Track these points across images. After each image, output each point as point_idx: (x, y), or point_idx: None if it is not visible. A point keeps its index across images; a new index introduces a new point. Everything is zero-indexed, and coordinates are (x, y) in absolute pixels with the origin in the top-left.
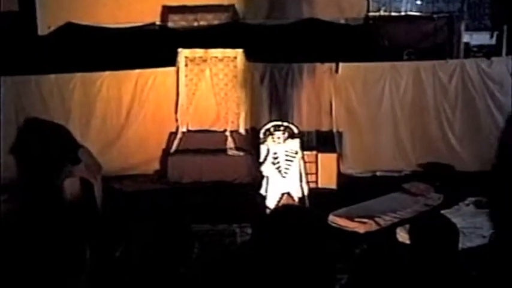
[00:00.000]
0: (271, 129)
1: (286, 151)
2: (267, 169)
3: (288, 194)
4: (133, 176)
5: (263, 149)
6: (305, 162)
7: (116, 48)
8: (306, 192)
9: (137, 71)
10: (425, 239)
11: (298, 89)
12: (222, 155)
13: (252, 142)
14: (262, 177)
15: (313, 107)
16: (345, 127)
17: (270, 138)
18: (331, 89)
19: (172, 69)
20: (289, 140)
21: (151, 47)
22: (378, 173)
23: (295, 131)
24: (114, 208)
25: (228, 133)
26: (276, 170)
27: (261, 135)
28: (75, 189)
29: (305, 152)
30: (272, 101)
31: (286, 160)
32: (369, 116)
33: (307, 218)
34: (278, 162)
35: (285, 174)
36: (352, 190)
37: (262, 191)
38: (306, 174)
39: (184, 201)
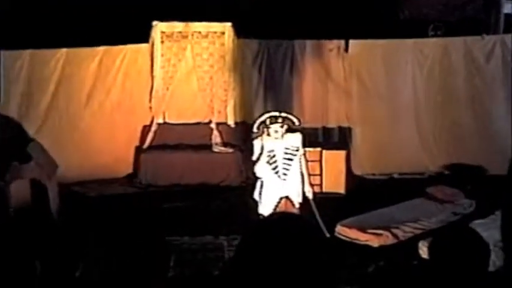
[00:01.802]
0: (267, 122)
1: (285, 148)
2: (261, 169)
3: (287, 198)
4: (98, 179)
5: (257, 145)
6: (307, 161)
7: (75, 19)
8: (310, 196)
9: (101, 47)
10: (446, 257)
11: (299, 72)
12: (206, 152)
13: (243, 136)
14: (255, 179)
15: (318, 95)
16: (357, 119)
17: (265, 133)
18: (340, 72)
19: (145, 46)
20: (289, 135)
21: (119, 17)
22: (395, 175)
23: (296, 123)
24: (73, 216)
25: (213, 125)
26: (273, 171)
27: (254, 129)
28: (24, 193)
29: (308, 149)
30: (268, 87)
31: (285, 159)
32: (385, 106)
33: (307, 229)
34: (275, 162)
35: (283, 175)
36: (364, 195)
37: (256, 196)
38: (309, 175)
39: (160, 207)
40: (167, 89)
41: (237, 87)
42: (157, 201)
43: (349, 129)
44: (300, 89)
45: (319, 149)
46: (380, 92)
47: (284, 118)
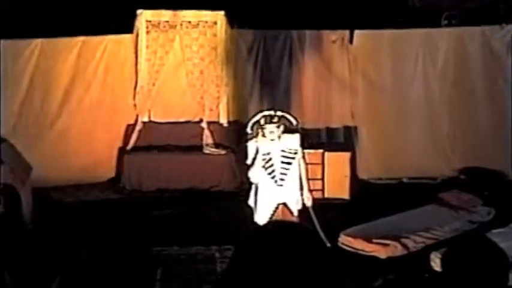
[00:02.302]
0: (261, 122)
1: (282, 150)
2: (256, 174)
3: (285, 205)
4: (77, 183)
5: (251, 147)
6: (307, 164)
7: (51, 6)
8: (309, 204)
9: (80, 38)
10: (461, 270)
11: (299, 66)
12: (196, 153)
13: (236, 137)
14: (249, 184)
15: (319, 91)
16: (362, 117)
17: (260, 133)
18: (344, 65)
19: (129, 37)
20: (286, 136)
21: (100, 5)
22: (405, 179)
23: (294, 123)
24: (48, 224)
25: (204, 125)
26: (268, 176)
27: (249, 130)
28: None
29: (308, 151)
30: (264, 83)
31: (282, 162)
32: (394, 103)
33: (306, 239)
34: (271, 166)
35: (280, 180)
36: (370, 201)
37: (250, 202)
38: (308, 180)
39: (145, 215)
40: (153, 84)
41: (231, 83)
42: (142, 208)
43: (354, 128)
44: (299, 84)
45: (320, 150)
46: (388, 88)
47: (280, 118)
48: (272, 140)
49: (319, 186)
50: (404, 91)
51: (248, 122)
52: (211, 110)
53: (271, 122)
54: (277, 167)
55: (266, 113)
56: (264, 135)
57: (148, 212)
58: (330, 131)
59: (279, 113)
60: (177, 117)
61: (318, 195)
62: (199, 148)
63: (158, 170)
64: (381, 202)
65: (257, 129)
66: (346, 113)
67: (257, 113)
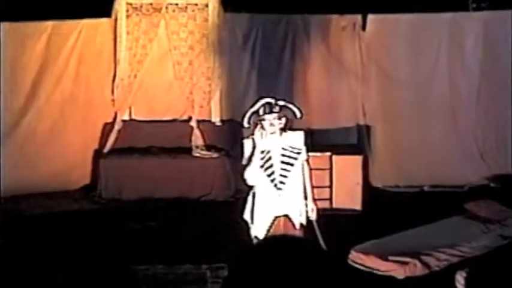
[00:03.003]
0: (261, 112)
1: (284, 148)
2: (253, 175)
3: (286, 217)
4: (46, 192)
5: (247, 144)
6: (312, 169)
7: None
8: (313, 217)
9: (50, 22)
10: None
11: (303, 57)
12: (184, 157)
13: (231, 138)
14: (248, 191)
15: (327, 85)
16: (377, 115)
17: (258, 127)
18: (356, 56)
19: (106, 21)
20: (288, 133)
21: None
22: (426, 188)
23: (298, 114)
24: (11, 239)
25: (194, 123)
26: (268, 178)
27: (245, 123)
28: None
29: (313, 154)
30: (263, 76)
31: (283, 162)
32: (413, 98)
33: (312, 258)
34: (270, 166)
35: (280, 184)
36: (386, 213)
37: (246, 215)
38: (313, 187)
39: (125, 228)
40: (134, 76)
41: (224, 76)
42: (121, 220)
43: (367, 128)
44: (304, 78)
45: (328, 153)
46: (406, 81)
47: (282, 107)
48: (272, 133)
49: (327, 195)
50: (425, 84)
51: (245, 113)
52: (201, 106)
53: (271, 112)
54: (277, 167)
55: (266, 100)
56: (262, 128)
57: (129, 225)
58: (339, 131)
59: (280, 102)
60: (162, 115)
61: (324, 205)
62: (187, 151)
63: (140, 176)
64: (398, 213)
65: (255, 121)
66: (357, 110)
67: (255, 102)
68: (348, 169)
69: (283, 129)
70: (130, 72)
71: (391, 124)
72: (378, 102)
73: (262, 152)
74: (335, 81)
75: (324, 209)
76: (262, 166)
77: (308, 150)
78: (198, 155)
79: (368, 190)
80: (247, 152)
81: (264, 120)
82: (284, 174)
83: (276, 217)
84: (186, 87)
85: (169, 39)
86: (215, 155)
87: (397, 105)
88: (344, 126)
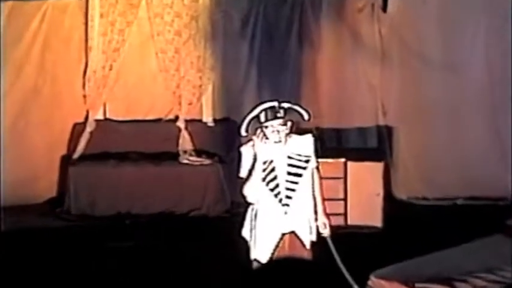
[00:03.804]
0: (262, 118)
1: (289, 157)
2: (254, 190)
3: (294, 234)
4: (3, 206)
5: (246, 154)
6: (323, 178)
7: None
8: (326, 233)
9: (9, 2)
10: None
11: (312, 44)
12: (169, 164)
13: (226, 141)
14: (246, 205)
15: (340, 78)
16: (400, 115)
17: (259, 135)
18: (375, 42)
19: (76, 1)
20: (295, 137)
21: None
22: (459, 200)
23: (305, 116)
24: None
25: (181, 124)
26: (271, 193)
27: (243, 131)
28: None
29: (325, 160)
30: (264, 67)
31: (290, 174)
32: (445, 93)
33: (323, 283)
34: (274, 179)
35: (286, 199)
36: (411, 230)
37: (245, 233)
38: (325, 200)
39: (98, 249)
40: (110, 68)
41: (218, 67)
42: (94, 240)
43: (388, 129)
44: (313, 69)
45: (342, 159)
46: (436, 72)
47: (287, 111)
48: (276, 142)
49: (341, 210)
50: (460, 75)
51: (243, 119)
52: (190, 103)
53: (275, 118)
54: (283, 180)
55: (268, 105)
56: (265, 137)
57: (103, 246)
58: (355, 133)
59: (285, 105)
60: (144, 114)
61: (338, 221)
62: (174, 156)
63: (117, 188)
64: (426, 231)
65: (255, 128)
66: (376, 108)
67: (255, 106)
68: (366, 178)
69: (288, 134)
70: (105, 62)
71: (417, 124)
72: (402, 99)
73: (264, 162)
74: (350, 74)
75: (338, 226)
76: (264, 179)
77: (318, 156)
78: (186, 161)
79: (390, 203)
80: (246, 163)
81: (266, 127)
82: (291, 187)
83: (282, 234)
84: (172, 81)
85: (152, 23)
86: (207, 161)
87: (424, 102)
88: (361, 126)
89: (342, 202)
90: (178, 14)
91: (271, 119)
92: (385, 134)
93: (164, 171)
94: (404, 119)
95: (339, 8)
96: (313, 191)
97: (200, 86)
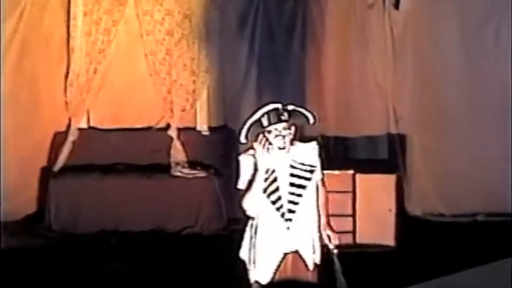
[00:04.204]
0: (264, 122)
1: (293, 166)
2: (254, 203)
3: (297, 253)
4: None
5: (246, 162)
6: (328, 192)
7: None
8: (332, 243)
9: None
10: None
11: (317, 43)
12: (160, 177)
13: (222, 151)
14: (246, 221)
15: (349, 80)
16: (414, 122)
17: (261, 141)
18: (386, 41)
19: None
20: (298, 145)
21: None
22: (480, 217)
23: (311, 119)
24: None
25: (173, 133)
26: (273, 207)
27: (243, 136)
28: None
29: (331, 172)
30: (264, 68)
31: (293, 185)
32: (464, 99)
33: None
34: (276, 190)
35: (289, 213)
36: (427, 250)
37: (244, 251)
38: (329, 216)
39: (81, 270)
40: (94, 71)
41: (213, 69)
42: (76, 260)
43: (401, 137)
44: (318, 71)
45: (350, 171)
46: (454, 74)
47: (291, 113)
48: (281, 148)
49: (349, 227)
50: (480, 79)
51: (243, 124)
52: (183, 110)
53: (279, 121)
54: (285, 191)
55: (271, 107)
56: (268, 142)
57: (87, 267)
58: (364, 141)
59: (290, 107)
60: (132, 122)
61: (346, 240)
62: (165, 169)
63: (102, 203)
64: (442, 251)
65: (257, 134)
66: (387, 114)
67: (257, 110)
68: (376, 192)
69: (292, 140)
70: (89, 65)
71: (433, 132)
72: (416, 104)
73: (266, 171)
74: (359, 76)
75: (345, 245)
76: (265, 190)
77: (324, 167)
78: (178, 174)
79: (403, 220)
80: (246, 172)
81: (269, 132)
82: (294, 200)
83: (284, 254)
84: (162, 85)
85: (140, 22)
86: (201, 174)
87: (441, 108)
88: (371, 134)
89: (350, 218)
90: (169, 12)
91: (275, 123)
92: (397, 143)
93: (154, 185)
94: (418, 127)
95: (347, 4)
96: (319, 205)
97: (194, 90)
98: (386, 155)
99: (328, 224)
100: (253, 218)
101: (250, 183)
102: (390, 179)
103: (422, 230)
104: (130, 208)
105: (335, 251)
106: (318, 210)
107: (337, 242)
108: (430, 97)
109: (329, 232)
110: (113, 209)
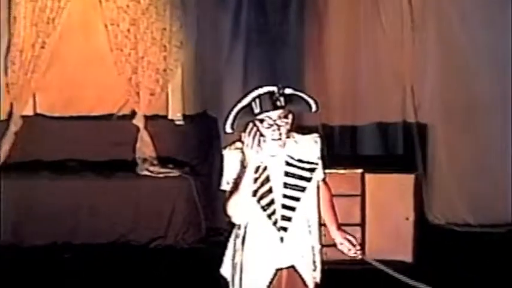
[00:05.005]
0: (255, 107)
1: (288, 163)
2: (240, 208)
3: (293, 270)
4: None
5: (232, 158)
6: (333, 196)
7: None
8: (352, 253)
9: None
10: None
11: (318, 19)
12: (124, 176)
13: (201, 145)
14: (230, 229)
15: (356, 63)
16: (437, 110)
17: (250, 131)
18: (403, 12)
19: None
20: (296, 137)
21: None
22: None
23: (313, 106)
24: None
25: (139, 122)
26: (264, 214)
27: (228, 126)
28: None
29: (334, 171)
30: (252, 46)
31: (288, 186)
32: (496, 82)
33: None
34: (269, 192)
35: (283, 222)
36: (451, 265)
37: (225, 268)
38: (337, 220)
39: None
40: (42, 45)
41: (189, 45)
42: (22, 278)
43: (421, 128)
44: (320, 51)
45: (359, 170)
46: (482, 53)
47: (289, 98)
48: (275, 140)
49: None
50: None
51: (230, 111)
52: (152, 94)
53: (273, 108)
54: (279, 194)
55: (264, 90)
56: (259, 133)
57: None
58: (375, 133)
59: (287, 90)
60: (88, 109)
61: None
62: (129, 166)
63: (52, 209)
64: (470, 267)
65: (246, 123)
66: (404, 100)
67: (247, 93)
68: (390, 196)
69: (288, 131)
70: (35, 38)
71: (459, 123)
72: (438, 88)
73: (257, 170)
74: (368, 54)
75: (353, 261)
76: (255, 193)
77: (326, 165)
78: (146, 173)
79: (423, 230)
80: (231, 171)
81: (261, 121)
82: (289, 205)
83: (277, 270)
84: (126, 63)
85: None
86: (174, 172)
87: (470, 93)
88: (383, 124)
89: (358, 228)
90: None
91: (268, 110)
92: (416, 136)
93: (116, 186)
94: (442, 115)
95: None
96: (319, 212)
97: (165, 70)
98: (402, 150)
99: (340, 229)
100: (239, 227)
101: (237, 183)
102: (407, 180)
103: (445, 242)
104: (87, 215)
105: (359, 256)
106: (320, 218)
107: (358, 248)
108: (457, 82)
109: (341, 239)
110: (65, 217)
